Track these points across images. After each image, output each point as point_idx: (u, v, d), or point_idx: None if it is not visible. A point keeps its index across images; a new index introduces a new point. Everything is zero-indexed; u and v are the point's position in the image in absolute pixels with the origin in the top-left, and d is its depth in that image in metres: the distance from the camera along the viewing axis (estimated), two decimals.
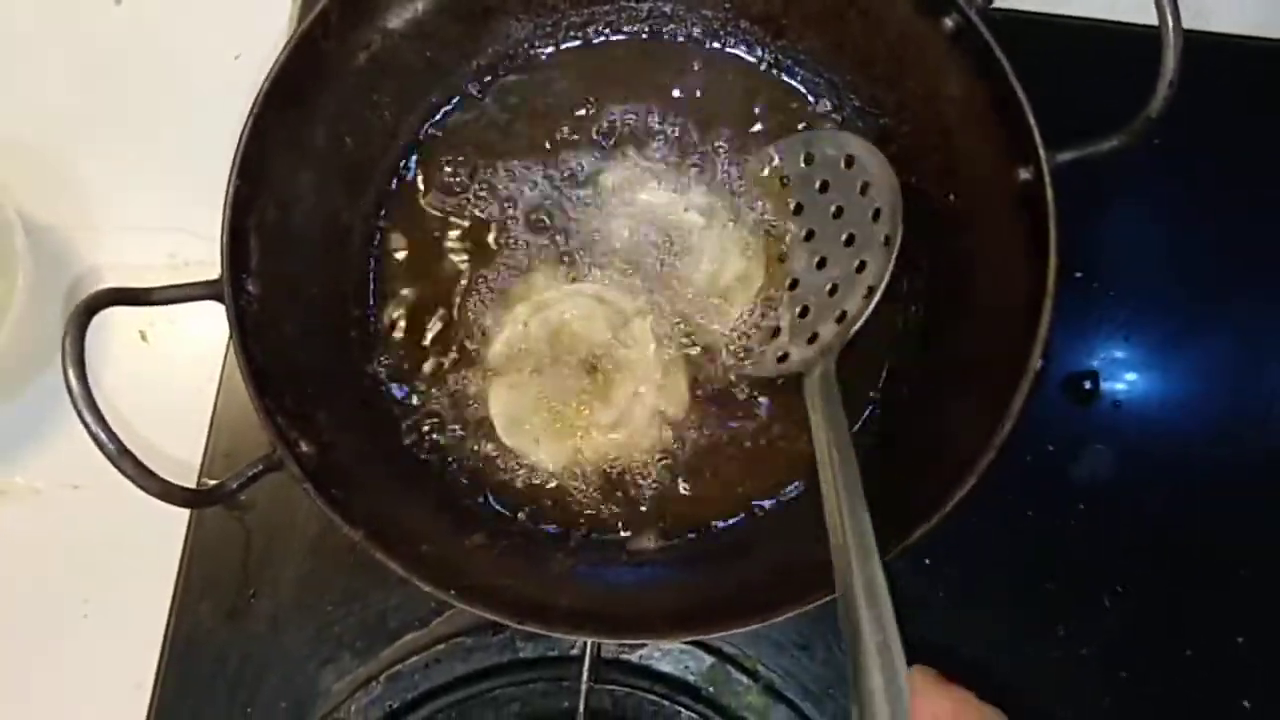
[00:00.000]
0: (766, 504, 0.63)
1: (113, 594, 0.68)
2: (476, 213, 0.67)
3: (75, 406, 0.49)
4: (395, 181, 0.68)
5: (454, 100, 0.68)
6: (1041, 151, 0.54)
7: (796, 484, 0.62)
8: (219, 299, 0.55)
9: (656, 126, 0.68)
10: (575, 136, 0.68)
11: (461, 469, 0.64)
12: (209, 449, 0.68)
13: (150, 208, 0.74)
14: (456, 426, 0.64)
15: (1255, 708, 0.63)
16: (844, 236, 0.60)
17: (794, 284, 0.63)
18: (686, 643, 0.64)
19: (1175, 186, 0.71)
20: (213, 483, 0.54)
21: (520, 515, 0.63)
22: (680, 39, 0.69)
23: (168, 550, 0.67)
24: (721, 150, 0.67)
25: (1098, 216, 0.70)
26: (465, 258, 0.66)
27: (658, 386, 0.63)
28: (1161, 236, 0.71)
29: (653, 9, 0.68)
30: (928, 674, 0.44)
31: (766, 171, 0.66)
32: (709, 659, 0.64)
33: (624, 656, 0.64)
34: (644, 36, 0.69)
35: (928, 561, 0.65)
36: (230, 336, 0.55)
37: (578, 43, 0.69)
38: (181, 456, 0.68)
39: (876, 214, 0.59)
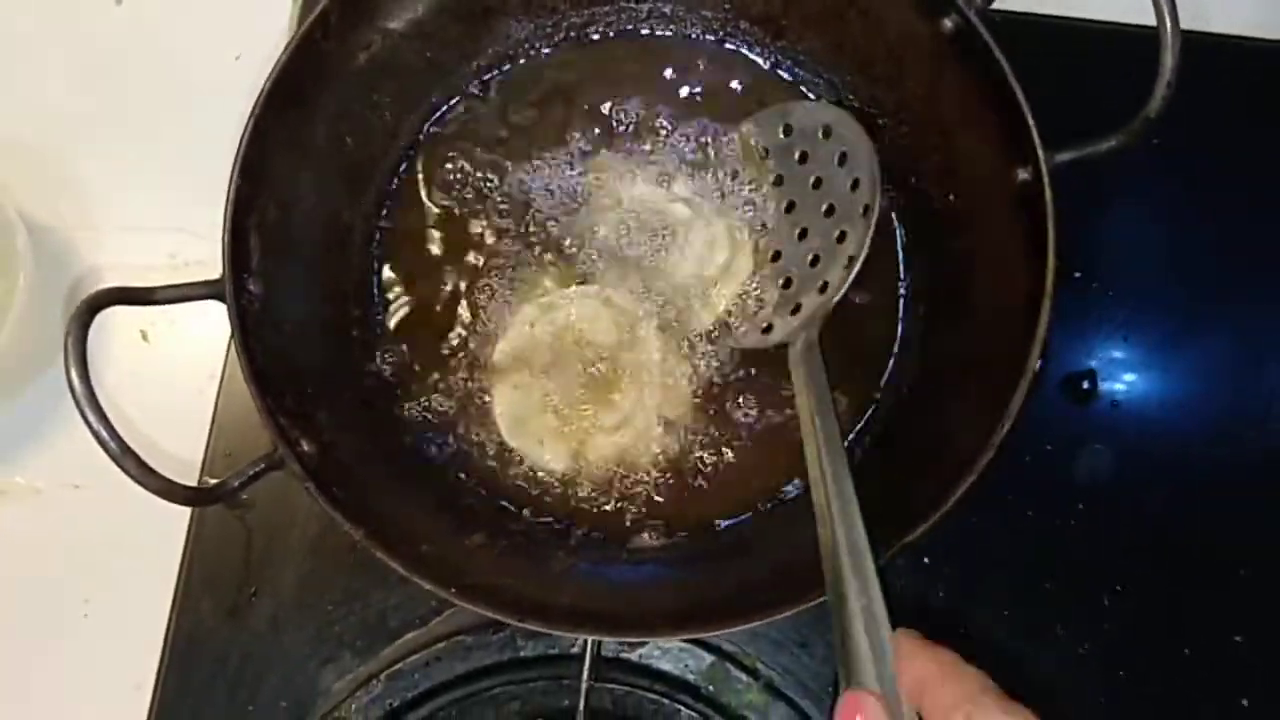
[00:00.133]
0: (766, 503, 0.63)
1: (113, 593, 0.68)
2: (477, 212, 0.67)
3: (78, 406, 0.49)
4: (396, 181, 0.68)
5: (454, 100, 0.69)
6: (1040, 152, 0.54)
7: (797, 482, 0.63)
8: (220, 298, 0.55)
9: (657, 126, 0.68)
10: (576, 136, 0.68)
11: (463, 468, 0.64)
12: (210, 448, 0.68)
13: (151, 208, 0.74)
14: (458, 426, 0.64)
15: (1254, 706, 0.63)
16: (824, 207, 0.61)
17: (776, 256, 0.63)
18: (686, 641, 0.64)
19: (1174, 187, 0.71)
20: (214, 482, 0.54)
21: (523, 514, 0.63)
22: (680, 39, 0.69)
23: (168, 550, 0.67)
24: (720, 147, 0.67)
25: (1096, 217, 0.70)
26: (466, 257, 0.67)
27: (662, 389, 0.63)
28: (1160, 237, 0.71)
29: (652, 9, 0.68)
30: (912, 636, 0.44)
31: (746, 144, 0.66)
32: (709, 657, 0.64)
33: (624, 655, 0.64)
34: (644, 37, 0.70)
35: (927, 561, 0.66)
36: (231, 336, 0.55)
37: (578, 43, 0.69)
38: (183, 456, 0.68)
39: (855, 184, 0.59)
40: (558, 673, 0.63)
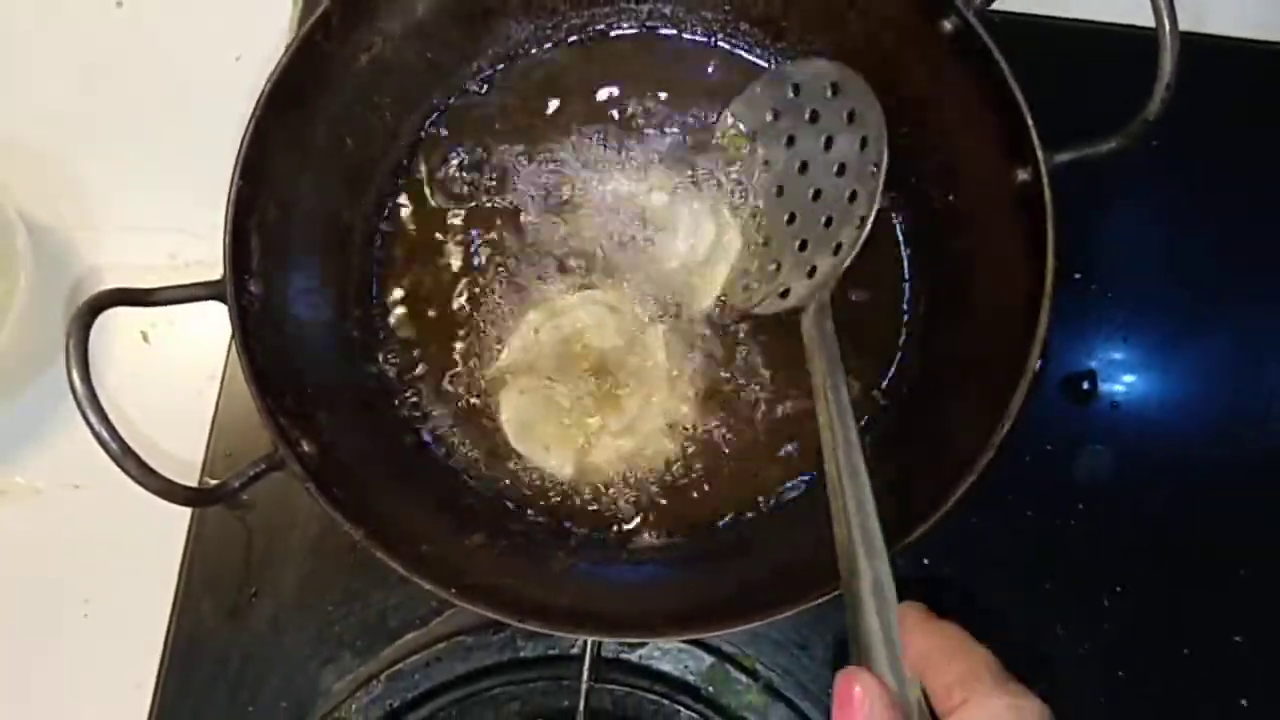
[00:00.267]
0: (767, 503, 0.63)
1: (114, 594, 0.68)
2: (478, 214, 0.67)
3: (79, 407, 0.49)
4: (396, 182, 0.68)
5: (455, 101, 0.69)
6: (1040, 153, 0.54)
7: (798, 482, 0.63)
8: (221, 299, 0.55)
9: (656, 126, 0.68)
10: (576, 137, 0.68)
11: (464, 469, 0.64)
12: (210, 449, 0.68)
13: (151, 208, 0.74)
14: (459, 427, 0.64)
15: (1253, 706, 0.63)
16: (835, 167, 0.60)
17: (792, 218, 0.63)
18: (686, 642, 0.64)
19: (1173, 188, 0.71)
20: (214, 482, 0.54)
21: (524, 514, 0.63)
22: (680, 41, 0.69)
23: (169, 550, 0.67)
24: (711, 138, 0.68)
25: (1096, 218, 0.70)
26: (466, 259, 0.67)
27: (667, 394, 0.64)
28: (1160, 238, 0.72)
29: (653, 10, 0.68)
30: (918, 609, 0.44)
31: (754, 109, 0.66)
32: (709, 658, 0.64)
33: (624, 655, 0.64)
34: (644, 38, 0.70)
35: (926, 561, 0.66)
36: (232, 336, 0.55)
37: (578, 44, 0.70)
38: (183, 456, 0.68)
39: (864, 142, 0.58)
40: (558, 673, 0.63)
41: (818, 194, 0.61)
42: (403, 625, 0.66)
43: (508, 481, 0.64)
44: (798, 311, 0.57)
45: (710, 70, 0.69)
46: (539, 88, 0.69)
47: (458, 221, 0.67)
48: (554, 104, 0.69)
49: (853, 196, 0.58)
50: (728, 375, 0.64)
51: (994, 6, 0.58)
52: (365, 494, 0.57)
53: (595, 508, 0.63)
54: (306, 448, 0.55)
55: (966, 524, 0.64)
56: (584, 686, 0.61)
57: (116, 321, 0.69)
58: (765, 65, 0.69)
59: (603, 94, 0.69)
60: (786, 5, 0.66)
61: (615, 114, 0.68)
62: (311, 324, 0.62)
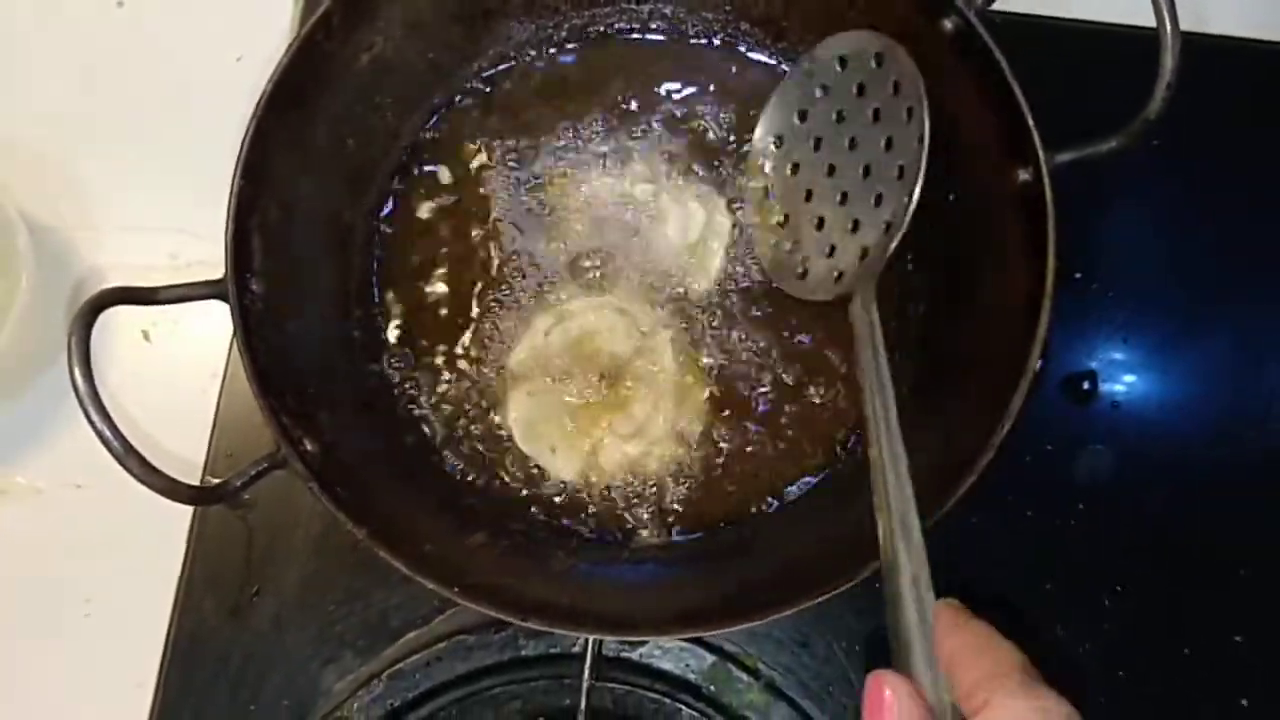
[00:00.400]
0: (769, 504, 0.63)
1: (115, 593, 0.68)
2: (479, 214, 0.67)
3: (82, 406, 0.50)
4: (397, 182, 0.68)
5: (456, 101, 0.69)
6: (1040, 152, 0.54)
7: (800, 484, 0.63)
8: (223, 298, 0.55)
9: (660, 125, 0.68)
10: (578, 136, 0.68)
11: (466, 469, 0.64)
12: (212, 448, 0.69)
13: (152, 208, 0.74)
14: (461, 427, 0.64)
15: (1254, 706, 0.63)
16: (884, 141, 0.59)
17: (844, 198, 0.61)
18: (687, 640, 0.64)
19: (1174, 188, 0.71)
20: (216, 481, 0.54)
21: (527, 515, 0.63)
22: (681, 41, 0.70)
23: (170, 549, 0.67)
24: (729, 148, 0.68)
25: (1097, 218, 0.70)
26: (468, 259, 0.67)
27: (675, 401, 0.64)
28: (1160, 238, 0.72)
29: (653, 11, 0.69)
30: (953, 607, 0.44)
31: (801, 82, 0.64)
32: (710, 657, 0.64)
33: (625, 654, 0.65)
34: (645, 38, 0.70)
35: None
36: (234, 335, 0.55)
37: (579, 44, 0.70)
38: (185, 455, 0.68)
39: (909, 113, 0.57)
40: (559, 672, 0.63)
41: (867, 170, 0.60)
42: (404, 624, 0.66)
43: (510, 482, 0.64)
44: (847, 298, 0.57)
45: (711, 73, 0.69)
46: (540, 88, 0.69)
47: (459, 222, 0.67)
48: (555, 104, 0.69)
49: (900, 172, 0.57)
50: (734, 380, 0.64)
51: (995, 6, 0.58)
52: (367, 493, 0.57)
53: (598, 510, 0.63)
54: (309, 447, 0.55)
55: (967, 524, 0.64)
56: (585, 685, 0.61)
57: (118, 321, 0.70)
58: (769, 63, 0.69)
59: (604, 94, 0.69)
60: (787, 5, 0.66)
61: (616, 114, 0.68)
62: (313, 323, 0.62)
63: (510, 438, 0.64)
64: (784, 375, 0.64)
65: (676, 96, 0.69)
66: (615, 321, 0.64)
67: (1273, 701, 0.64)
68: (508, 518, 0.63)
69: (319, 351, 0.62)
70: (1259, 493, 0.67)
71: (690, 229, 0.66)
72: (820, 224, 0.62)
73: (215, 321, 0.61)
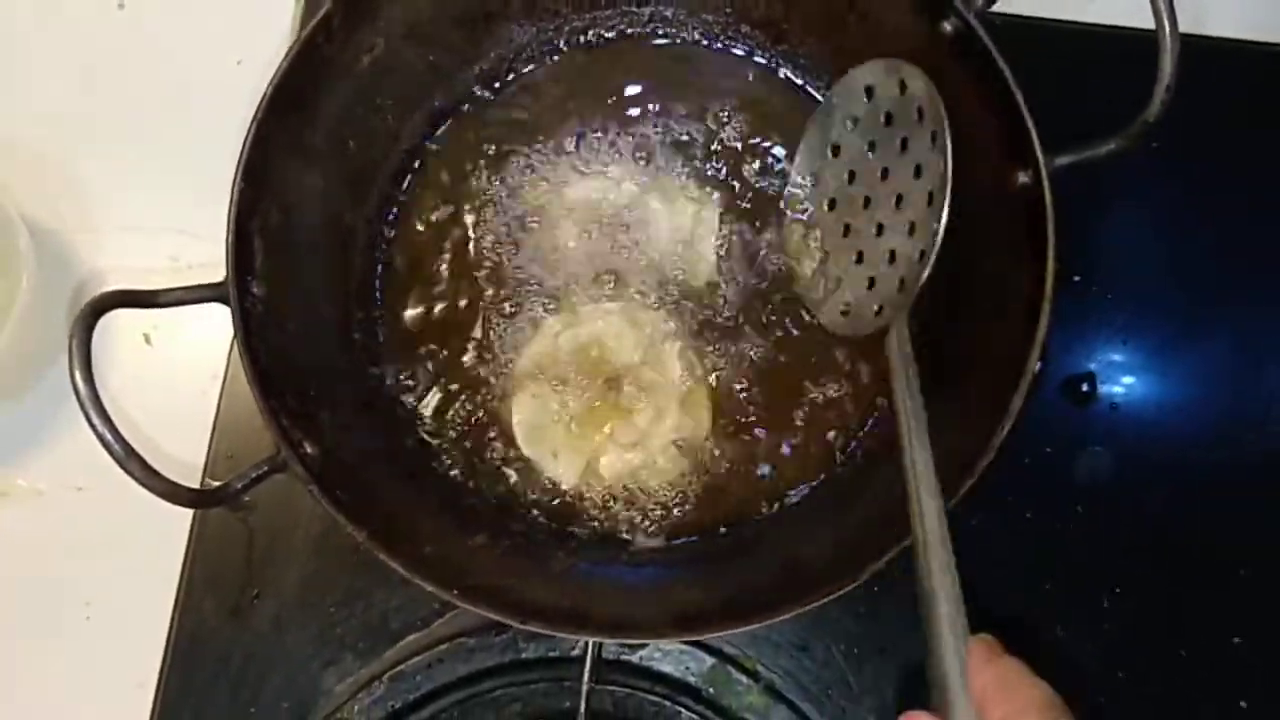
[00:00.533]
0: (770, 508, 0.63)
1: (115, 595, 0.68)
2: (479, 216, 0.67)
3: (82, 409, 0.50)
4: (398, 184, 0.68)
5: (457, 104, 0.69)
6: (1040, 155, 0.54)
7: (801, 488, 0.63)
8: (224, 301, 0.55)
9: (657, 131, 0.68)
10: (579, 139, 0.68)
11: (466, 471, 0.64)
12: (212, 450, 0.69)
13: (152, 210, 0.74)
14: (461, 429, 0.65)
15: (1253, 708, 0.63)
16: (913, 168, 0.58)
17: (880, 229, 0.60)
18: (687, 643, 0.64)
19: (1173, 190, 0.71)
20: (217, 484, 0.54)
21: (526, 517, 0.63)
22: (682, 43, 0.70)
23: (170, 551, 0.67)
24: (726, 149, 0.68)
25: (1096, 220, 0.70)
26: (468, 262, 0.67)
27: (679, 412, 0.64)
28: (1159, 240, 0.72)
29: (654, 13, 0.69)
30: (986, 643, 0.44)
31: (830, 116, 0.64)
32: (709, 660, 0.64)
33: (625, 657, 0.65)
34: (645, 41, 0.70)
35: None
36: (235, 338, 0.55)
37: (580, 47, 0.70)
38: (185, 458, 0.68)
39: (933, 138, 0.56)
40: (559, 675, 0.64)
41: (900, 200, 0.59)
42: (404, 626, 0.66)
43: (511, 484, 0.64)
44: (884, 330, 0.56)
45: (712, 75, 0.69)
46: (541, 91, 0.69)
47: (461, 224, 0.67)
48: (555, 107, 0.69)
49: (930, 199, 0.56)
50: (736, 387, 0.65)
51: (994, 8, 0.58)
52: (368, 495, 0.57)
53: (597, 515, 0.63)
54: (309, 449, 0.55)
55: (966, 526, 0.63)
56: (585, 688, 0.61)
57: (118, 323, 0.70)
58: (766, 69, 0.69)
59: (605, 97, 0.69)
60: (787, 8, 0.66)
61: (616, 116, 0.68)
62: (314, 326, 0.62)
63: (512, 440, 0.64)
64: (785, 380, 0.64)
65: (676, 99, 0.69)
66: (623, 329, 0.64)
67: (1272, 703, 0.64)
68: (508, 519, 0.63)
69: (320, 354, 0.62)
70: (1258, 494, 0.67)
71: (681, 226, 0.66)
72: (859, 258, 0.61)
73: (216, 324, 0.61)
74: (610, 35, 0.70)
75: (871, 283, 0.60)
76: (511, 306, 0.66)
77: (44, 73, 0.77)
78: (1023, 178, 0.55)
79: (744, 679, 0.64)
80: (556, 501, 0.63)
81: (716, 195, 0.67)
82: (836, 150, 0.64)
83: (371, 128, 0.65)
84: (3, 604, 0.68)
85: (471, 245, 0.67)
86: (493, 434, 0.64)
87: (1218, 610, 0.65)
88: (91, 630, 0.68)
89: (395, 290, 0.67)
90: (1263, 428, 0.68)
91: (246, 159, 0.57)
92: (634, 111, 0.68)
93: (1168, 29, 0.54)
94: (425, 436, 0.64)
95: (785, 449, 0.64)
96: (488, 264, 0.67)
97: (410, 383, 0.65)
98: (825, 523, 0.60)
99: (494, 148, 0.68)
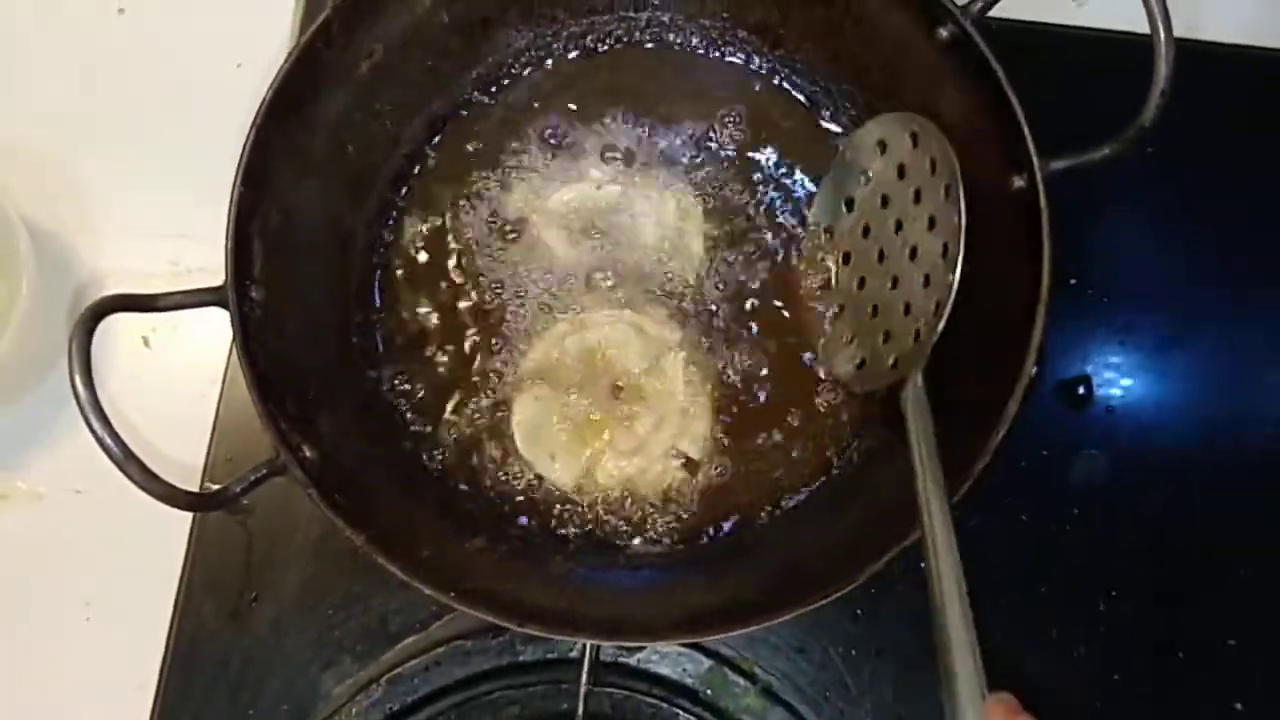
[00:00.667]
0: (767, 512, 0.63)
1: (115, 597, 0.68)
2: (479, 220, 0.68)
3: (82, 413, 0.50)
4: (397, 188, 0.68)
5: (455, 109, 0.69)
6: (1035, 159, 0.55)
7: (799, 494, 0.63)
8: (223, 305, 0.55)
9: (657, 135, 0.68)
10: (575, 143, 0.68)
11: (464, 475, 0.64)
12: (211, 453, 0.69)
13: (152, 213, 0.74)
14: (460, 433, 0.65)
15: (1248, 709, 0.63)
16: (926, 220, 0.58)
17: (894, 283, 0.60)
18: (684, 645, 0.65)
19: (1169, 194, 0.71)
20: (216, 487, 0.54)
21: (523, 522, 0.63)
22: (679, 48, 0.70)
23: (170, 554, 0.67)
24: (723, 153, 0.68)
25: (1092, 223, 0.70)
26: (467, 265, 0.67)
27: (679, 424, 0.64)
28: (1155, 243, 0.72)
29: (651, 19, 0.69)
30: (1004, 703, 0.44)
31: (845, 170, 0.64)
32: (707, 662, 0.64)
33: (622, 659, 0.65)
34: (643, 46, 0.70)
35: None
36: (234, 341, 0.55)
37: (577, 52, 0.70)
38: (184, 461, 0.68)
39: (947, 190, 0.56)
40: (557, 677, 0.64)
41: (914, 252, 0.59)
42: (403, 629, 0.66)
43: (509, 487, 0.64)
44: (901, 383, 0.55)
45: (709, 80, 0.69)
46: (539, 96, 0.70)
47: (458, 227, 0.68)
48: (553, 111, 0.69)
49: (944, 250, 0.56)
50: (737, 394, 0.65)
51: (990, 14, 0.58)
52: (366, 498, 0.57)
53: (593, 521, 0.63)
54: (308, 453, 0.55)
55: (963, 528, 0.63)
56: (583, 690, 0.61)
57: (118, 326, 0.69)
58: (762, 74, 0.69)
59: (603, 101, 0.69)
60: (784, 13, 0.66)
61: (615, 121, 0.69)
62: (313, 329, 0.62)
63: (511, 444, 0.64)
64: (783, 386, 0.65)
65: (674, 104, 0.69)
66: (629, 336, 0.65)
67: (1267, 704, 0.64)
68: (506, 523, 0.63)
69: (318, 357, 0.62)
70: (1254, 497, 0.67)
71: (663, 220, 0.67)
72: (874, 311, 0.61)
73: (215, 327, 0.61)
74: (608, 40, 0.70)
75: (887, 336, 0.59)
76: (511, 310, 0.66)
77: (45, 76, 0.77)
78: (1018, 182, 0.56)
79: (741, 681, 0.64)
80: (555, 505, 0.64)
81: (716, 197, 0.67)
82: (850, 204, 0.64)
83: (370, 132, 0.66)
84: (3, 606, 0.68)
85: (471, 248, 0.67)
86: (491, 438, 0.65)
87: (1213, 612, 0.66)
88: (91, 632, 0.68)
89: (394, 293, 0.67)
90: (1258, 430, 0.68)
91: (246, 163, 0.57)
92: (633, 116, 0.69)
93: (1162, 34, 0.54)
94: (423, 440, 0.65)
95: (782, 454, 0.64)
96: (487, 267, 0.67)
97: (409, 386, 0.65)
98: (823, 525, 0.61)
99: (493, 152, 0.69)
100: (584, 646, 0.62)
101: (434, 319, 0.66)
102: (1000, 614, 0.66)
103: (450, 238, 0.68)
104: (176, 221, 0.73)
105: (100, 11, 0.78)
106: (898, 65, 0.62)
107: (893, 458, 0.61)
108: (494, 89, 0.70)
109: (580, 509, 0.63)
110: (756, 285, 0.66)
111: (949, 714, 0.44)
